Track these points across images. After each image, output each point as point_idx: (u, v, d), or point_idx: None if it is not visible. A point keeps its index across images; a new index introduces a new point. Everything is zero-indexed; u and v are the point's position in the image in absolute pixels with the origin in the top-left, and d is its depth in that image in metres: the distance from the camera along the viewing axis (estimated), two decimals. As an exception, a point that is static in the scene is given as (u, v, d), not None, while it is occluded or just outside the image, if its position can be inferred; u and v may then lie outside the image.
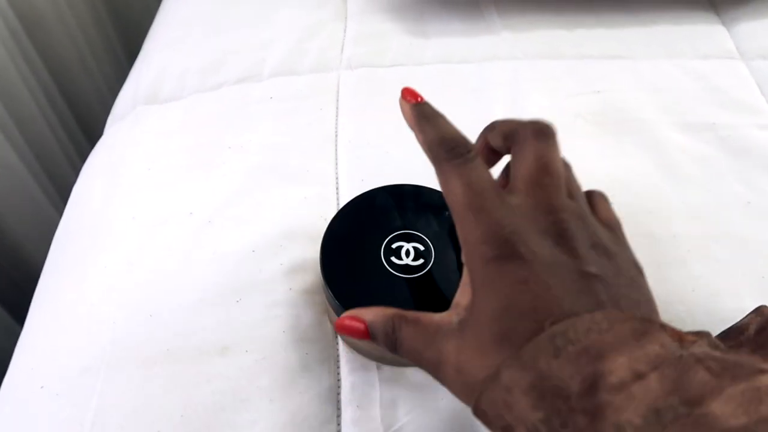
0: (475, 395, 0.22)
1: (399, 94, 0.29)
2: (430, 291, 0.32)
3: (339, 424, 0.33)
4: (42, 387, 0.34)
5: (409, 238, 0.33)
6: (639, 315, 0.21)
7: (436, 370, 0.25)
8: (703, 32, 0.55)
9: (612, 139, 0.46)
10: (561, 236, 0.23)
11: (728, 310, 0.36)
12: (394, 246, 0.33)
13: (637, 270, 0.25)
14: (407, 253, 0.33)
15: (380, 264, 0.32)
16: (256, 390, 0.33)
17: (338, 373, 0.35)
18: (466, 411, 0.32)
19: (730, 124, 0.47)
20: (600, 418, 0.18)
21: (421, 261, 0.33)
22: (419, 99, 0.29)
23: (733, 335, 0.30)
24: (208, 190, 0.43)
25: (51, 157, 0.76)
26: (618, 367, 0.19)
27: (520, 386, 0.20)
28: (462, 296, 0.26)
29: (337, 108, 0.48)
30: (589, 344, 0.20)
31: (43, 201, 0.72)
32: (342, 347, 0.35)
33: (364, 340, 0.27)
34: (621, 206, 0.41)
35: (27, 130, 0.70)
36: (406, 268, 0.32)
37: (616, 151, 0.45)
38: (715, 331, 0.35)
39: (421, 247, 0.33)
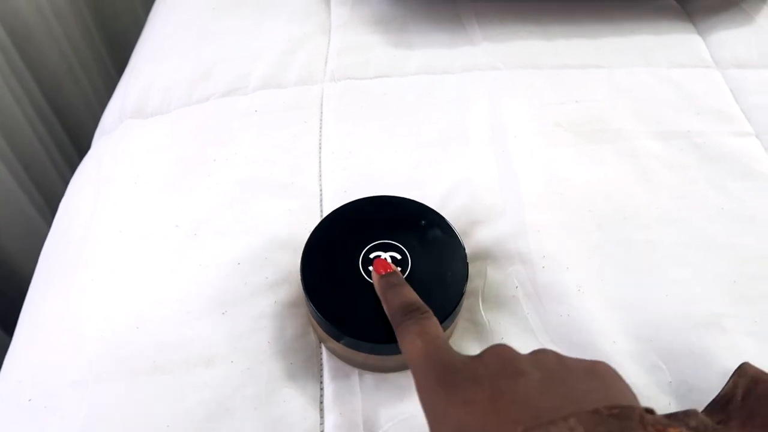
0: None
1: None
2: None
3: (322, 432, 0.33)
4: (30, 400, 0.35)
5: (386, 248, 0.34)
6: (617, 411, 0.20)
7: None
8: (678, 42, 0.56)
9: (590, 147, 0.47)
10: (505, 360, 0.24)
11: (702, 314, 0.37)
12: (372, 256, 0.34)
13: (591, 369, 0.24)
14: None
15: (358, 274, 0.33)
16: (242, 399, 0.34)
17: (321, 382, 0.35)
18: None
19: (704, 131, 0.48)
20: None
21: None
22: (389, 269, 0.32)
23: (721, 405, 0.30)
24: (193, 203, 0.43)
25: (40, 170, 0.76)
26: None
27: None
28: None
29: (321, 120, 0.49)
30: None
31: (33, 213, 0.73)
32: (325, 355, 0.36)
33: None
34: (598, 213, 0.42)
35: (16, 143, 0.71)
36: None
37: (593, 159, 0.46)
38: (691, 338, 0.36)
39: (398, 256, 0.34)
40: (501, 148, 0.46)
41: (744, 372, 0.31)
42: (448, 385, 0.23)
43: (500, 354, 0.24)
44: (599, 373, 0.23)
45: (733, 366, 0.34)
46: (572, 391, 0.22)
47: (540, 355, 0.24)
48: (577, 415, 0.20)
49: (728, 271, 0.39)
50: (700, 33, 0.57)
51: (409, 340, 0.27)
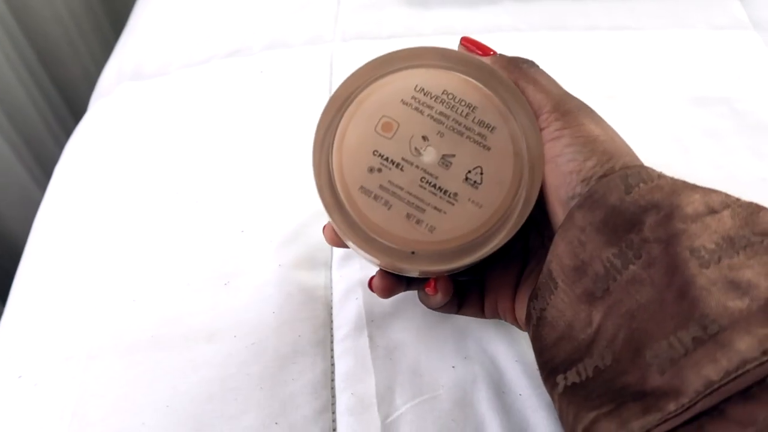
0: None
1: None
2: None
3: (334, 413, 0.31)
4: (20, 377, 0.32)
5: None
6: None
7: None
8: (713, 2, 0.52)
9: (622, 113, 0.43)
10: None
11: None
12: None
13: None
14: None
15: None
16: (246, 378, 0.31)
17: (332, 357, 0.33)
18: (467, 400, 0.30)
19: (744, 97, 0.44)
20: (674, 244, 0.19)
21: None
22: (491, 52, 0.29)
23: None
24: (194, 168, 0.40)
25: (36, 136, 0.73)
26: (693, 200, 0.20)
27: (593, 224, 0.21)
28: None
29: (330, 82, 0.46)
30: (662, 183, 0.21)
31: (28, 180, 0.70)
32: (336, 324, 0.33)
33: None
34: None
35: (11, 108, 0.68)
36: None
37: (626, 126, 0.42)
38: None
39: None
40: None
41: None
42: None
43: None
44: None
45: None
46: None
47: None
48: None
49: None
50: (736, -7, 0.53)
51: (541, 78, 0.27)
